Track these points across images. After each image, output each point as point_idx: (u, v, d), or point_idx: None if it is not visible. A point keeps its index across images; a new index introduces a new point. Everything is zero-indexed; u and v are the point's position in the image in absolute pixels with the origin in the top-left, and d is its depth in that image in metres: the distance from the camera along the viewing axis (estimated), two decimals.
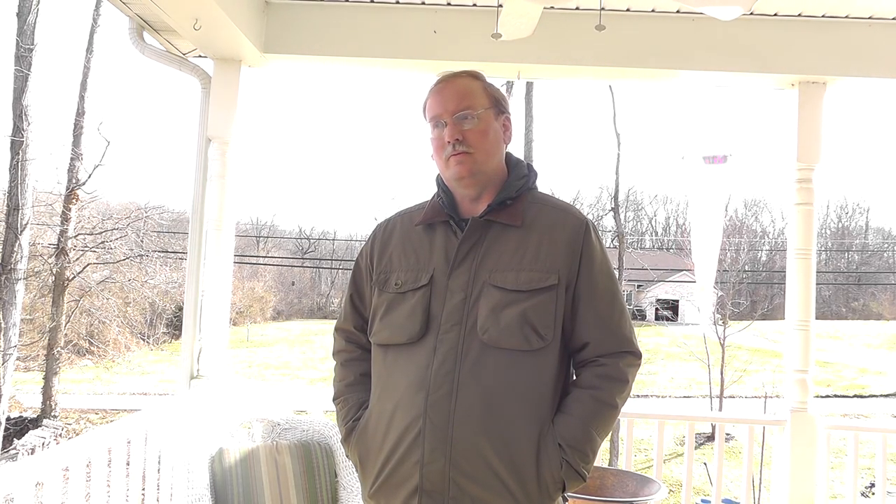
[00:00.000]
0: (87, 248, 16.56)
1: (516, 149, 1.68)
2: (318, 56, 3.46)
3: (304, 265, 41.29)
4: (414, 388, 1.45)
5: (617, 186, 17.24)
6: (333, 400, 1.68)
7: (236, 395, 3.35)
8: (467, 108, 1.55)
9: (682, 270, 29.57)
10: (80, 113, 15.60)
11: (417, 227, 1.61)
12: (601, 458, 3.52)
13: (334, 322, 1.78)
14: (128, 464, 2.52)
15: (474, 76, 1.62)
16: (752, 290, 32.55)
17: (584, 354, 1.52)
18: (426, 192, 1.69)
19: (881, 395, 22.05)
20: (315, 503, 2.73)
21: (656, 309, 33.09)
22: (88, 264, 16.82)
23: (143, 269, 18.92)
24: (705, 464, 13.17)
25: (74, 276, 15.95)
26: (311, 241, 45.37)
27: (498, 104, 1.61)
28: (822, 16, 3.38)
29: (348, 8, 3.43)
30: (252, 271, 34.53)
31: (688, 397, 21.21)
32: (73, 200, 15.27)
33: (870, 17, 3.38)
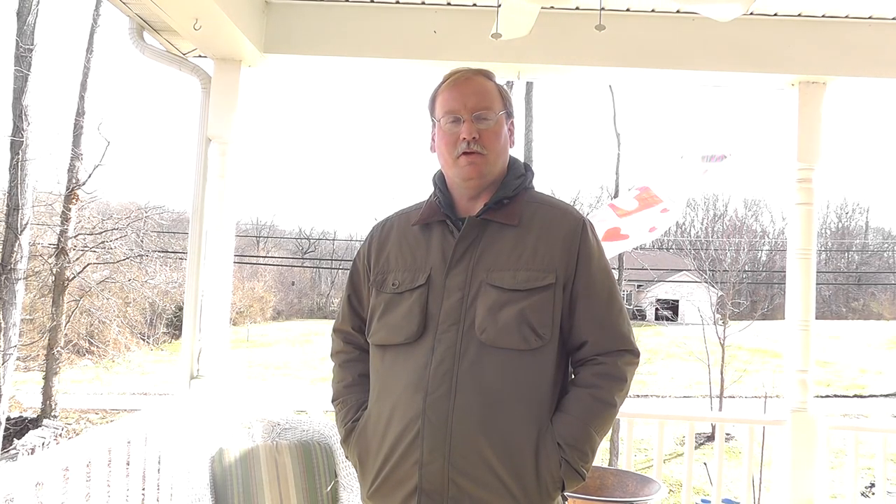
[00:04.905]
0: (87, 248, 16.55)
1: (516, 148, 1.68)
2: (318, 56, 3.46)
3: (304, 265, 41.26)
4: (412, 388, 1.45)
5: (617, 186, 17.22)
6: (332, 401, 1.67)
7: (236, 395, 3.35)
8: (486, 109, 1.55)
9: (682, 270, 29.56)
10: (80, 113, 15.59)
11: (414, 226, 1.60)
12: (601, 458, 3.52)
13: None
14: (128, 464, 2.52)
15: (488, 76, 1.62)
16: (752, 290, 32.55)
17: (583, 353, 1.52)
18: (426, 191, 1.69)
19: (881, 395, 22.05)
20: (315, 503, 2.73)
21: (656, 309, 33.05)
22: (88, 264, 16.80)
23: (143, 269, 18.89)
24: (705, 464, 13.16)
25: (74, 276, 15.94)
26: (311, 241, 45.33)
27: (508, 108, 1.61)
28: (822, 16, 3.38)
29: (348, 8, 3.43)
30: (252, 271, 34.51)
31: (688, 397, 21.21)
32: (73, 200, 15.26)
33: (870, 17, 3.38)
